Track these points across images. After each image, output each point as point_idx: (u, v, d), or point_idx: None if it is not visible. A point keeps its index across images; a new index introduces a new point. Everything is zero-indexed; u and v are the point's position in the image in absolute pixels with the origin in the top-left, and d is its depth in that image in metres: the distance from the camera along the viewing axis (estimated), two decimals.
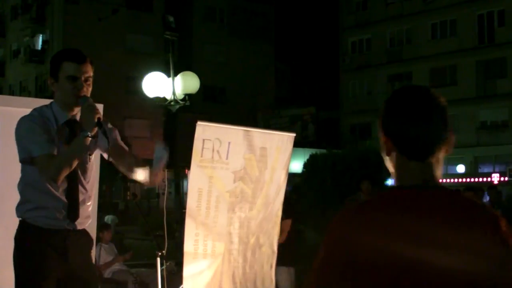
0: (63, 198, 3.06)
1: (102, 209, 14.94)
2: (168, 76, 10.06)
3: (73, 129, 3.10)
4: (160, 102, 10.03)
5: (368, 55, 37.12)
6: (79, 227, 3.14)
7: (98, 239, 7.27)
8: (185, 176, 10.30)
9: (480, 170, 31.80)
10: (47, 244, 3.05)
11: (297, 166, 17.30)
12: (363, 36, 37.49)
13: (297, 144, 5.26)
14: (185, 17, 38.36)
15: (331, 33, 39.89)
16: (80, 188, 3.14)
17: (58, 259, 3.06)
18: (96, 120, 2.93)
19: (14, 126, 4.62)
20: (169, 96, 9.95)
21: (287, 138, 5.01)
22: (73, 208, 3.09)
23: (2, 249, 4.52)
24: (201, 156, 4.41)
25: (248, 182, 4.69)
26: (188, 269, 4.47)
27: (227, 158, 4.54)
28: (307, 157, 16.52)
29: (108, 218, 13.76)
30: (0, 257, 4.51)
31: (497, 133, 31.52)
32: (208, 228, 4.50)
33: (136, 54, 34.21)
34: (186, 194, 4.76)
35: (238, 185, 4.64)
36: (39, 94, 34.29)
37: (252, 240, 4.79)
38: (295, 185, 18.28)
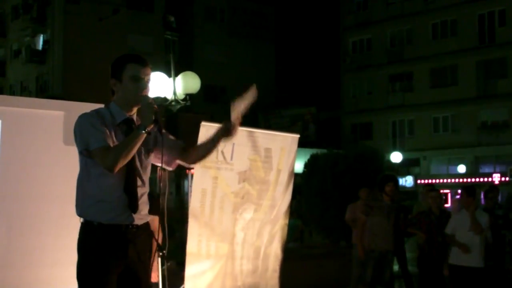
0: (122, 190, 3.16)
1: None
2: (169, 76, 10.05)
3: (130, 127, 3.25)
4: (161, 102, 10.02)
5: (369, 55, 37.11)
6: (138, 223, 3.22)
7: None
8: (186, 176, 10.27)
9: (481, 170, 31.80)
10: (108, 243, 3.12)
11: (297, 166, 17.19)
12: (364, 36, 37.48)
13: (298, 144, 5.25)
14: (185, 17, 38.37)
15: (331, 33, 39.87)
16: (139, 182, 3.24)
17: (118, 256, 3.14)
18: (154, 118, 3.11)
19: (15, 125, 4.62)
20: (170, 96, 9.95)
21: (291, 139, 4.99)
22: (133, 200, 3.18)
23: (3, 248, 4.53)
24: None
25: (253, 183, 4.66)
26: (190, 269, 4.46)
27: (231, 159, 4.52)
28: (307, 157, 16.46)
29: None
30: (1, 256, 4.52)
31: (497, 133, 31.50)
32: (212, 229, 4.48)
33: None
34: (187, 194, 4.74)
35: (243, 186, 4.61)
36: (39, 94, 34.24)
37: (257, 242, 4.76)
38: (296, 185, 18.23)
